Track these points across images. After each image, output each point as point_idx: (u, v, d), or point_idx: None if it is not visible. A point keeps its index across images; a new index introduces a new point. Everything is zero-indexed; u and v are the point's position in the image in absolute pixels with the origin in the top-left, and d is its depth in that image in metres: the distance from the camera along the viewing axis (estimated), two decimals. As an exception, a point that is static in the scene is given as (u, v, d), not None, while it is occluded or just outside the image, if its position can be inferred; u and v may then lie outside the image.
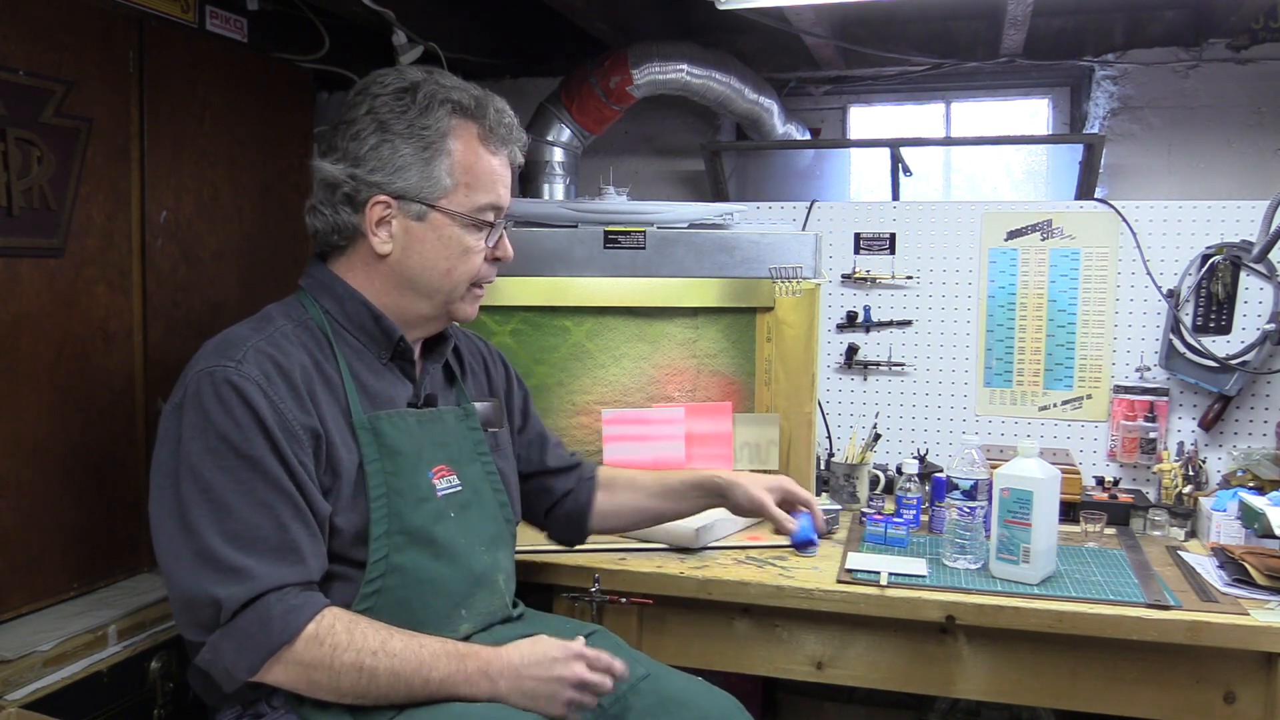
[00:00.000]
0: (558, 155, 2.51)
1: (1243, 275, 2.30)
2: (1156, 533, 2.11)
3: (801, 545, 1.73)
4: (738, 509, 1.76)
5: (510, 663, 1.33)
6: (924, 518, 2.15)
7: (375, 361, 1.46)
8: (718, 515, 2.02)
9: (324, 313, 1.44)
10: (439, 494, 1.45)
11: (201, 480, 1.26)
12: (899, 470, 2.23)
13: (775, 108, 2.74)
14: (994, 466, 1.85)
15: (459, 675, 1.31)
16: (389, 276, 1.45)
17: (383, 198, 1.40)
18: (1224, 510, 1.98)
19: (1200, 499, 2.11)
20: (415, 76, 1.44)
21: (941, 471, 2.22)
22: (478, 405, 1.61)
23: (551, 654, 1.34)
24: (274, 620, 1.23)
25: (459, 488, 1.49)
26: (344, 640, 1.25)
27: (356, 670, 1.25)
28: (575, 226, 1.97)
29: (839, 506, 2.16)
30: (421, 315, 1.48)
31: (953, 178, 3.05)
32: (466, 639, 1.46)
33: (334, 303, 1.45)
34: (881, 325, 2.54)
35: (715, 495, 1.76)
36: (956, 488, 1.86)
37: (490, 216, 1.46)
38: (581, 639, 1.41)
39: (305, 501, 1.30)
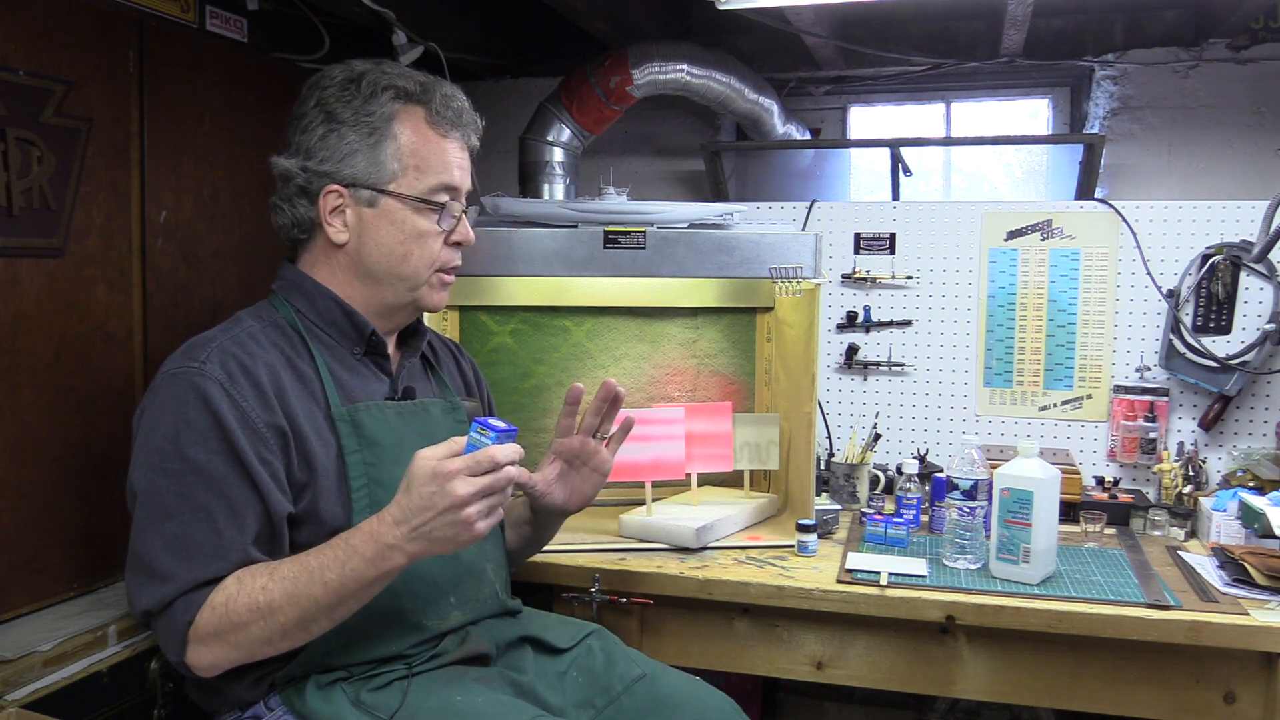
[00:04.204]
0: (558, 155, 2.51)
1: (1243, 275, 2.30)
2: (1156, 533, 2.11)
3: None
4: (542, 497, 1.60)
5: (396, 519, 1.22)
6: (924, 518, 2.15)
7: (349, 356, 1.48)
8: (718, 515, 2.02)
9: (295, 311, 1.47)
10: None
11: (148, 480, 1.30)
12: (899, 470, 2.23)
13: (775, 108, 2.74)
14: (994, 466, 1.85)
15: (354, 560, 1.22)
16: (348, 267, 1.47)
17: (334, 187, 1.44)
18: (1224, 510, 1.98)
19: (1200, 499, 2.11)
20: (361, 67, 1.47)
21: (941, 471, 2.22)
22: (465, 403, 1.62)
23: (428, 489, 1.20)
24: (178, 609, 1.26)
25: None
26: (234, 591, 1.26)
27: (255, 611, 1.24)
28: (575, 226, 1.97)
29: (839, 506, 2.16)
30: (388, 305, 1.49)
31: (953, 178, 3.05)
32: (459, 629, 1.47)
33: (305, 300, 1.48)
34: (881, 325, 2.54)
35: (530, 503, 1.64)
36: (956, 488, 1.86)
37: (443, 198, 1.47)
38: (456, 443, 1.23)
39: (261, 500, 1.30)
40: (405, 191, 1.44)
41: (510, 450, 1.23)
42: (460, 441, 1.23)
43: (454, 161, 1.48)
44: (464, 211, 1.52)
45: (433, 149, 1.46)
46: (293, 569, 1.26)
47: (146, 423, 1.33)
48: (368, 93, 1.44)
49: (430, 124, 1.46)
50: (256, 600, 1.24)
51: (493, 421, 1.26)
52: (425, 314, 1.61)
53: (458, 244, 1.51)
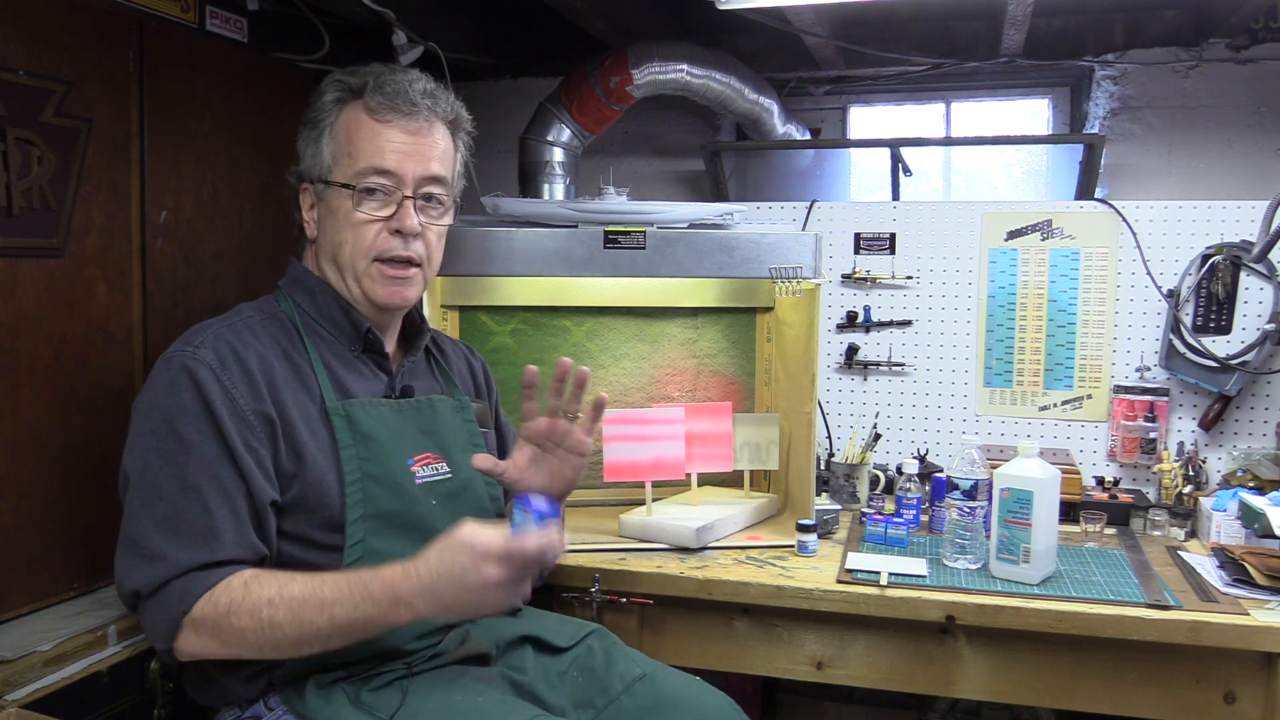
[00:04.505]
0: (558, 155, 2.51)
1: (1243, 275, 2.30)
2: (1156, 533, 2.11)
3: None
4: (516, 484, 1.52)
5: (420, 579, 1.22)
6: (924, 518, 2.15)
7: (346, 353, 1.50)
8: (718, 515, 2.02)
9: (296, 307, 1.49)
10: (418, 481, 1.46)
11: (141, 461, 1.31)
12: (899, 470, 2.23)
13: (775, 108, 2.74)
14: (994, 466, 1.85)
15: (367, 604, 1.23)
16: (320, 259, 1.52)
17: (305, 185, 1.51)
18: (1224, 510, 1.98)
19: (1200, 499, 2.11)
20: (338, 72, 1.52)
21: (941, 471, 2.22)
22: (473, 404, 1.62)
23: (460, 562, 1.21)
24: (173, 594, 1.26)
25: (448, 475, 1.51)
26: (239, 596, 1.25)
27: (256, 620, 1.24)
28: (575, 226, 1.97)
29: (839, 506, 2.16)
30: (355, 298, 1.50)
31: (953, 178, 3.05)
32: (459, 625, 1.47)
33: (306, 296, 1.51)
34: (881, 325, 2.54)
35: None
36: (956, 488, 1.86)
37: (374, 182, 1.45)
38: (502, 532, 1.23)
39: (245, 484, 1.31)
40: (336, 179, 1.47)
41: (544, 539, 1.22)
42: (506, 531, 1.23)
43: (392, 146, 1.45)
44: (410, 198, 1.46)
45: (364, 134, 1.46)
46: (304, 591, 1.25)
47: (142, 405, 1.34)
48: (321, 92, 1.50)
49: (367, 112, 1.47)
50: (260, 613, 1.24)
51: (535, 502, 1.25)
52: (424, 311, 1.61)
53: (398, 232, 1.46)
